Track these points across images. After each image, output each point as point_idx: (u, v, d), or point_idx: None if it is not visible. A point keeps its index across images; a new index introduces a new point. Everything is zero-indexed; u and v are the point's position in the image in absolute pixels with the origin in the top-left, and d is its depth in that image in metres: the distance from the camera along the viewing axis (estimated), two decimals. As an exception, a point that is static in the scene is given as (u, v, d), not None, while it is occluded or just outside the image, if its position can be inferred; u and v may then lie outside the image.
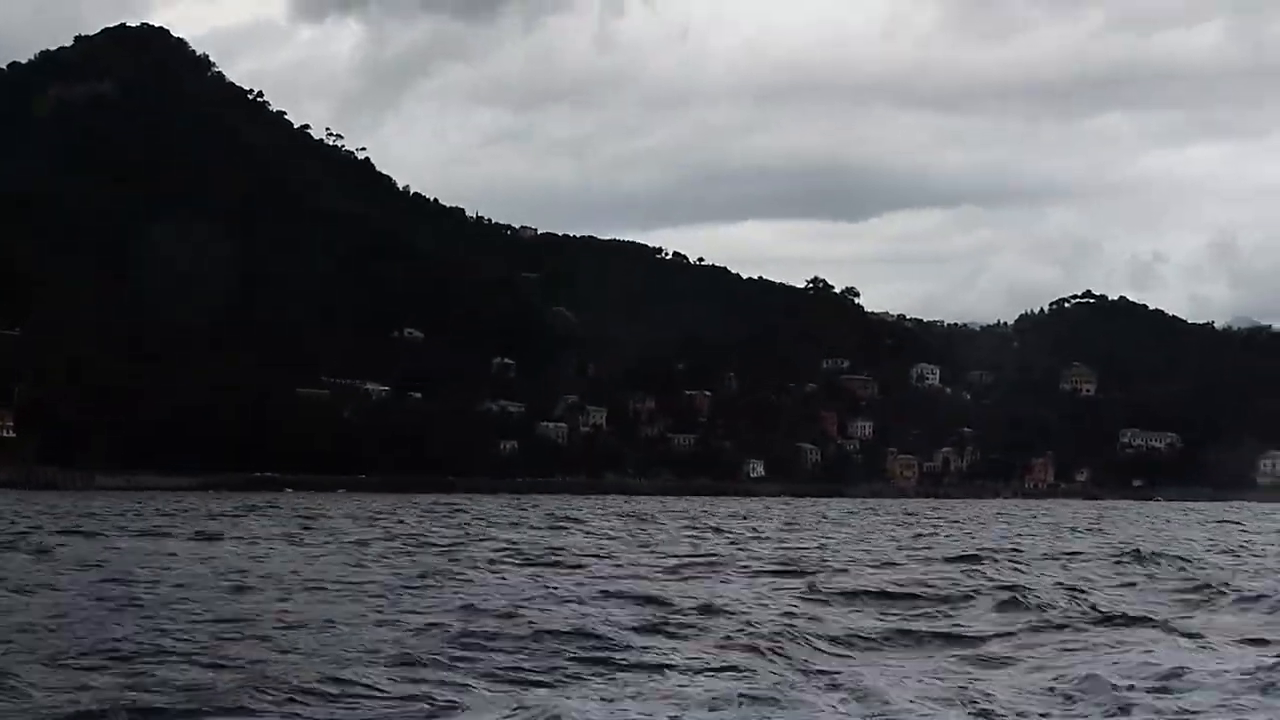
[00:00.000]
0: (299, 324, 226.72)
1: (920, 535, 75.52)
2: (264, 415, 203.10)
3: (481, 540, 61.56)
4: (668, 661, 22.98)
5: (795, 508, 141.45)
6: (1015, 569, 44.02)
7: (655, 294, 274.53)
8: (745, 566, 44.86)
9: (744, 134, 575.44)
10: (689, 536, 69.17)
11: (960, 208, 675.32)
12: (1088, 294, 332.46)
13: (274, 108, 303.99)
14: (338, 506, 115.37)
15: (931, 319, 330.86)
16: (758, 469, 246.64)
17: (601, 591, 33.82)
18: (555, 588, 35.15)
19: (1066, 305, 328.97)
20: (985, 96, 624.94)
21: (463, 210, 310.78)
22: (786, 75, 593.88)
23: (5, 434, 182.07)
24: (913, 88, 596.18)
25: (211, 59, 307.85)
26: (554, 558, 48.49)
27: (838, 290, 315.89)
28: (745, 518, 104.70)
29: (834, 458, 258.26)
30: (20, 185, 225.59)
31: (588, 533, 72.00)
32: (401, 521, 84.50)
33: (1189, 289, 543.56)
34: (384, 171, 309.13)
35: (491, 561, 46.27)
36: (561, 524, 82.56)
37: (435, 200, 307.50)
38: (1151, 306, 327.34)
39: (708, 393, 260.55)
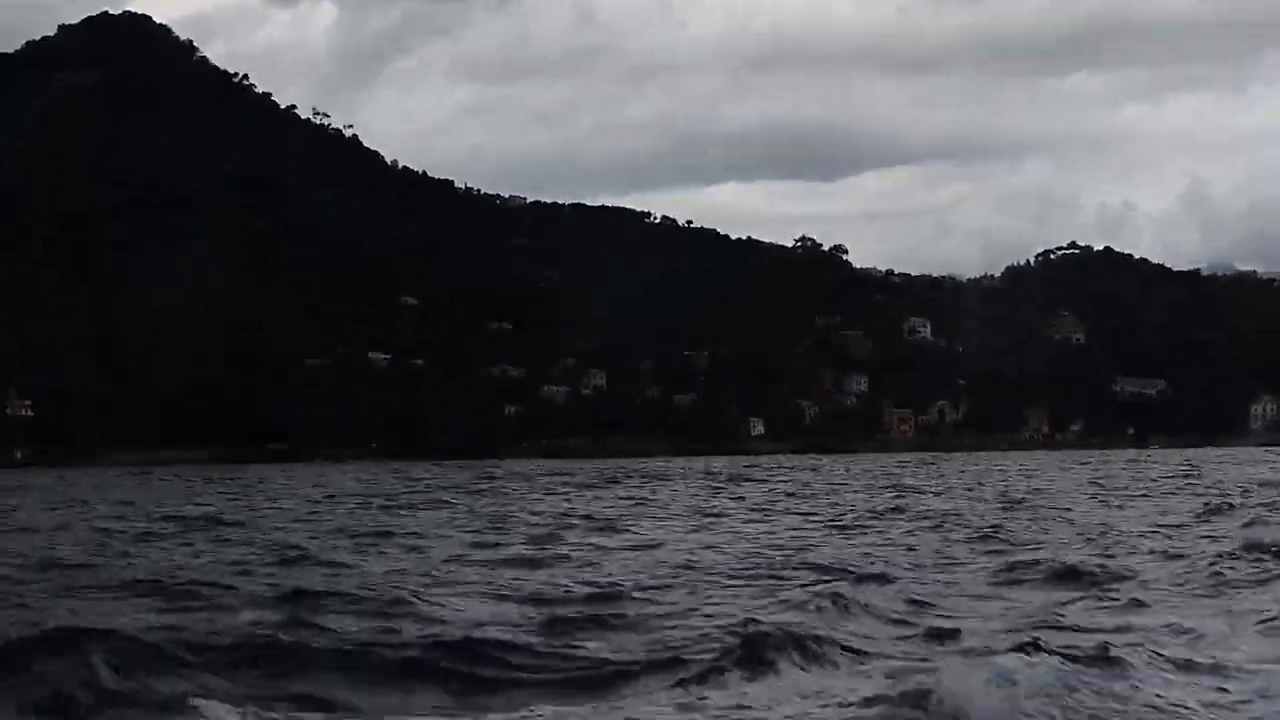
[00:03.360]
0: (300, 298, 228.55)
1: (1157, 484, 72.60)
2: (269, 388, 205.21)
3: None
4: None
5: (883, 467, 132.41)
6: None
7: (647, 257, 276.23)
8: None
9: (724, 101, 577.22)
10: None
11: (935, 164, 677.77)
12: (1073, 245, 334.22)
13: (260, 89, 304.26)
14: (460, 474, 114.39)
15: (920, 273, 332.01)
16: (758, 427, 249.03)
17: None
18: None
19: (1053, 256, 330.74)
20: (959, 58, 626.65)
21: (451, 182, 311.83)
22: (767, 43, 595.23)
23: (23, 412, 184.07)
24: (888, 52, 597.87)
25: (195, 44, 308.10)
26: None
27: (826, 248, 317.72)
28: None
29: (832, 414, 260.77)
30: (12, 177, 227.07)
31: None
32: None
33: (1161, 236, 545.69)
34: (371, 147, 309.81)
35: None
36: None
37: (424, 173, 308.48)
38: (1136, 256, 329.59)
39: (705, 353, 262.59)
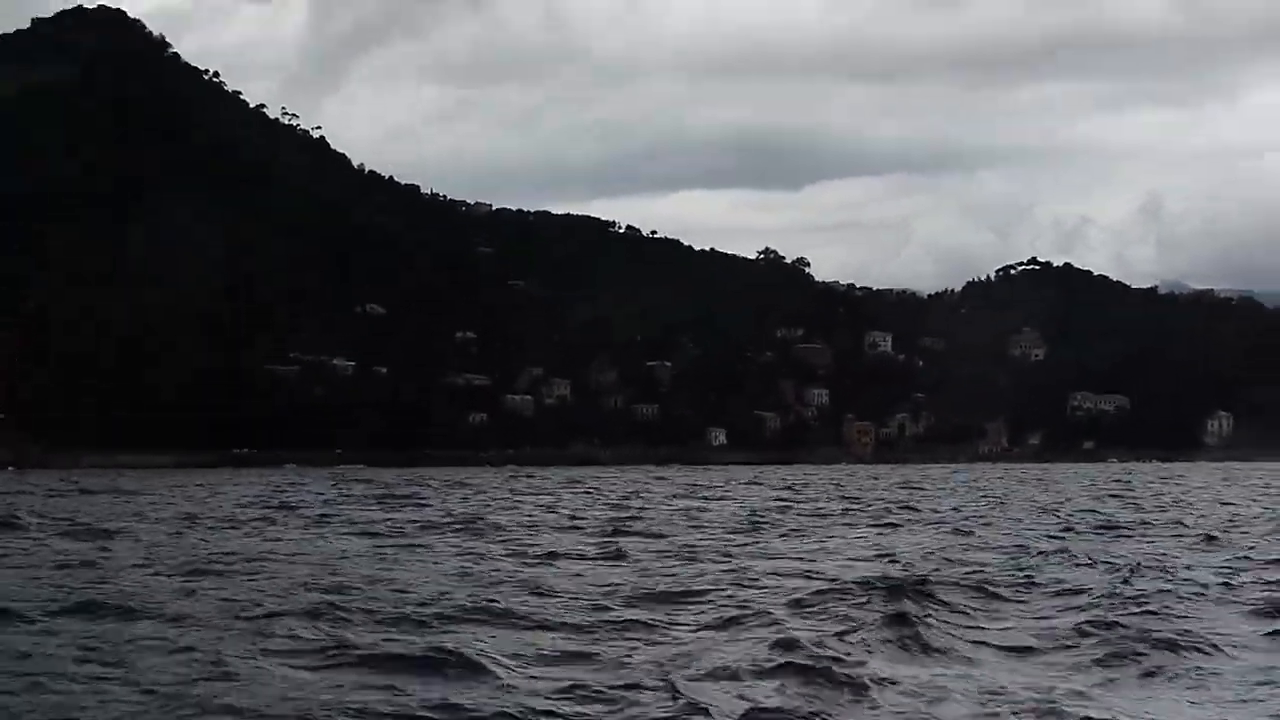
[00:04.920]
0: (265, 302, 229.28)
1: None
2: (236, 393, 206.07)
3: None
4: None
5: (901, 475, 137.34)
6: None
7: (610, 267, 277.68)
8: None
9: (688, 107, 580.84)
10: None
11: (893, 175, 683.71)
12: (1033, 260, 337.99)
13: (229, 87, 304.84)
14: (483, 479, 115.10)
15: (882, 287, 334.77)
16: (719, 437, 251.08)
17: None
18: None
19: (1013, 272, 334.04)
20: (926, 67, 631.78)
21: (417, 187, 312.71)
22: (733, 48, 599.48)
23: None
24: (855, 60, 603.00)
25: (168, 39, 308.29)
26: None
27: (788, 260, 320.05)
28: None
29: (793, 425, 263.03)
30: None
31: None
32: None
33: (1116, 251, 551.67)
34: (338, 150, 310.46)
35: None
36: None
37: (390, 178, 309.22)
38: (1096, 273, 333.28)
39: (668, 363, 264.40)
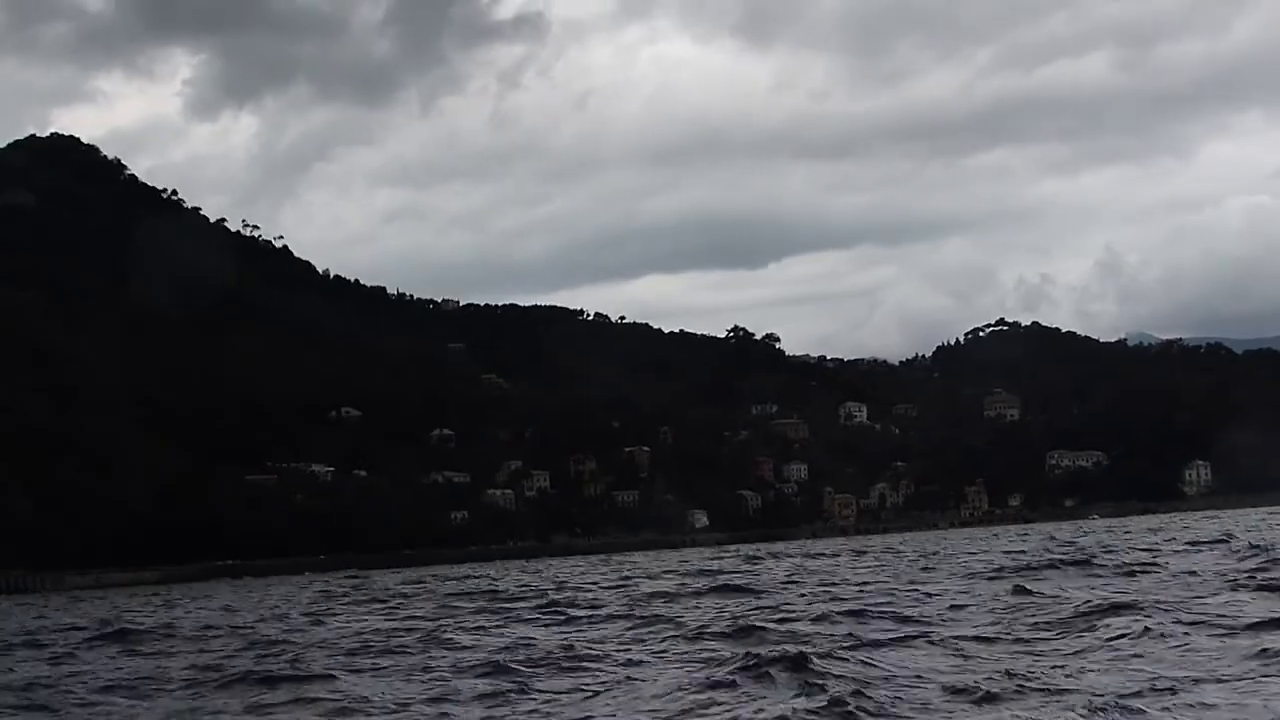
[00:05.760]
0: (240, 413, 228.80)
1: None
2: (215, 505, 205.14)
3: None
4: None
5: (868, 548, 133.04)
6: None
7: (582, 355, 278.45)
8: None
9: (644, 194, 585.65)
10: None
11: (857, 248, 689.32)
12: (1000, 321, 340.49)
13: (189, 204, 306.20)
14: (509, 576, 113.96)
15: (853, 357, 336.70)
16: (701, 519, 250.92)
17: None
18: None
19: (981, 334, 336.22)
20: (878, 141, 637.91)
21: (384, 289, 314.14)
22: (685, 134, 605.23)
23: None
24: (807, 138, 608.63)
25: (123, 161, 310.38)
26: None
27: (758, 337, 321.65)
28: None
29: (773, 502, 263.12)
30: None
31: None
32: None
33: (1079, 307, 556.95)
34: (302, 257, 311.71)
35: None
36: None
37: (356, 281, 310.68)
38: (1064, 329, 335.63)
39: (645, 448, 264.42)
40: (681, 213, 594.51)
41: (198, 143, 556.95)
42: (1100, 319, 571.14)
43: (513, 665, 32.47)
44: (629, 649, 35.01)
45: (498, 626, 46.34)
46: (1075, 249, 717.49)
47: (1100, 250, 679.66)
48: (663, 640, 36.60)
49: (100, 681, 36.21)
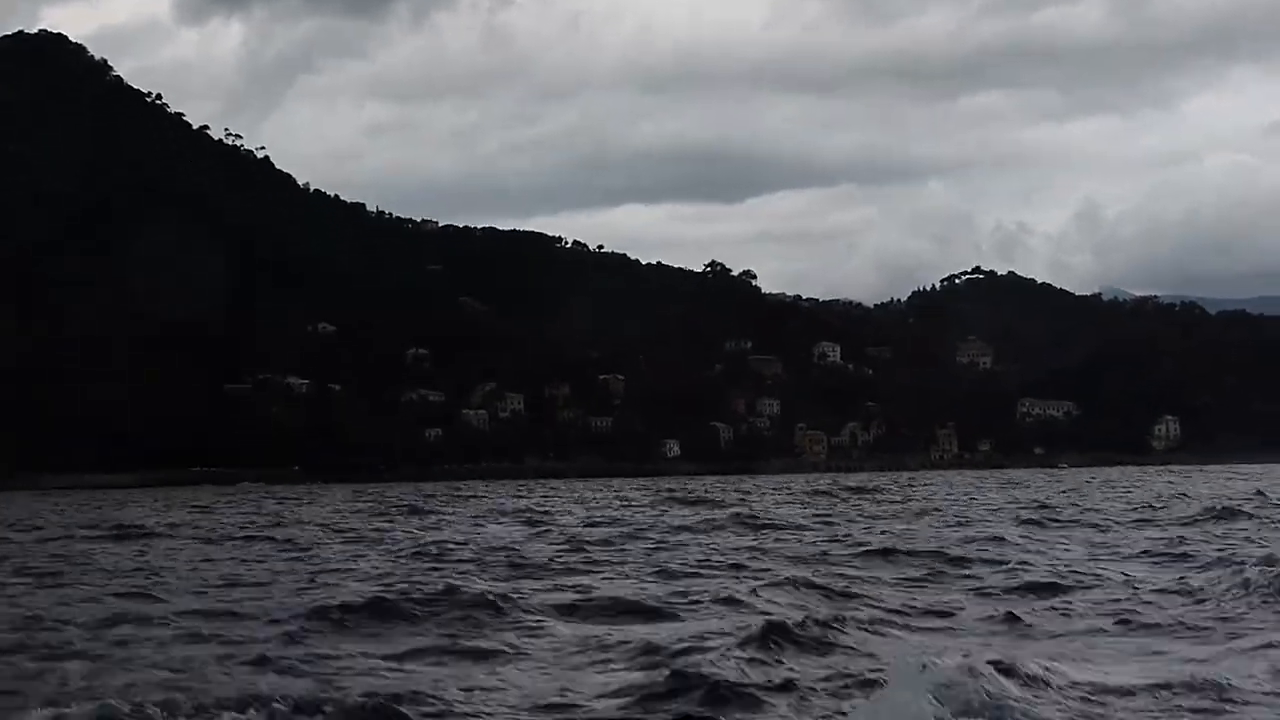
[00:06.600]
0: (218, 323, 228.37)
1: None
2: (193, 413, 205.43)
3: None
4: None
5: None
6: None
7: (559, 282, 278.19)
8: None
9: (630, 120, 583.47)
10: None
11: (838, 186, 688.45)
12: (977, 269, 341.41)
13: (172, 109, 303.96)
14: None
15: (829, 298, 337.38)
16: (674, 449, 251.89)
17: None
18: None
19: (957, 281, 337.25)
20: (868, 79, 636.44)
21: (363, 205, 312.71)
22: (675, 63, 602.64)
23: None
24: (796, 71, 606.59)
25: (109, 63, 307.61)
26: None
27: (735, 273, 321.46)
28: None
29: (745, 435, 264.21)
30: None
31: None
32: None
33: (1054, 258, 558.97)
34: (283, 169, 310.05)
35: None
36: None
37: (336, 196, 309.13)
38: (1039, 280, 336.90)
39: (620, 377, 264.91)
40: (664, 142, 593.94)
41: (185, 47, 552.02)
42: (1075, 270, 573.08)
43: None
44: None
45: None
46: (1055, 199, 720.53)
47: (1080, 202, 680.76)
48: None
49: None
